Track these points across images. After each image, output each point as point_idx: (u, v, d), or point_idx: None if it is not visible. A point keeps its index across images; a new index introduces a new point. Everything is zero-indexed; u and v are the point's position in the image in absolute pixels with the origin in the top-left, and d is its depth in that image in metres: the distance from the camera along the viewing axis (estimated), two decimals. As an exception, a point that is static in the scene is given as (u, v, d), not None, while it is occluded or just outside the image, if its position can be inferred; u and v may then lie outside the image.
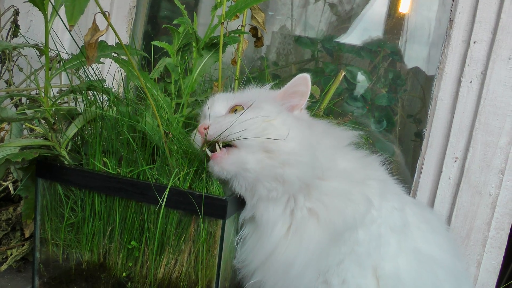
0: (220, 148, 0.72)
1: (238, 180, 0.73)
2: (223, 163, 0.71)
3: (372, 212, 0.75)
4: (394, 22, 1.39)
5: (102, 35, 0.61)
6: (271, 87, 0.84)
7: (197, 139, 0.74)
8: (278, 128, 0.71)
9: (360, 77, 1.32)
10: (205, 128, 0.73)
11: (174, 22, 0.87)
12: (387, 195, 0.79)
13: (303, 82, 0.79)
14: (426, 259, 0.77)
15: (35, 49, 1.25)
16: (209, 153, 0.72)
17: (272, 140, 0.69)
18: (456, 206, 1.05)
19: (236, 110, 0.77)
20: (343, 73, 1.05)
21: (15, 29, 1.28)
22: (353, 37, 1.43)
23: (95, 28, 0.62)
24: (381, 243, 0.75)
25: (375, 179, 0.79)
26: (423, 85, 1.32)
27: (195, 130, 0.75)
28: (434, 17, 1.35)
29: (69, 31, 0.57)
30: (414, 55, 1.37)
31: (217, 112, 0.78)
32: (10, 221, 0.96)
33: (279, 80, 1.22)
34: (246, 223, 0.78)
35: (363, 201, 0.74)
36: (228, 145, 0.73)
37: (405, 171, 1.28)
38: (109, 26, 0.63)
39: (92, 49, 0.62)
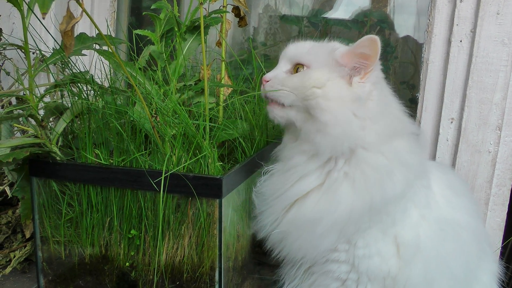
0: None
1: (291, 127, 0.78)
2: (274, 113, 0.77)
3: (406, 190, 0.75)
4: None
5: (77, 21, 0.60)
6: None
7: (261, 89, 0.80)
8: (321, 96, 0.71)
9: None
10: (266, 81, 0.78)
11: (152, 6, 0.86)
12: (421, 173, 0.79)
13: (369, 45, 0.72)
14: (450, 225, 0.78)
15: (21, 51, 1.24)
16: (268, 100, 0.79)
17: (313, 106, 0.71)
18: (456, 166, 1.05)
19: (298, 68, 0.78)
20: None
21: (-2, 32, 1.26)
22: (340, 11, 1.41)
23: (69, 16, 0.60)
24: (405, 215, 0.76)
25: (417, 165, 0.78)
26: (414, 52, 1.30)
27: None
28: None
29: (43, 18, 0.56)
30: (404, 24, 1.35)
31: (283, 66, 0.80)
32: (10, 224, 0.96)
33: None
34: (278, 160, 0.81)
35: (403, 183, 0.74)
36: None
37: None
38: (85, 13, 0.62)
39: (69, 38, 0.61)
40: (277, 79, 0.78)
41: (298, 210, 0.75)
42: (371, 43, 0.71)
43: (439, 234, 0.77)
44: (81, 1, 0.59)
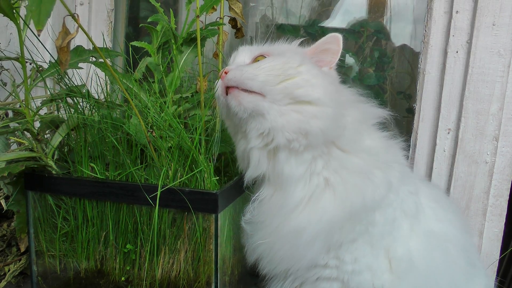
0: None
1: (255, 123, 0.69)
2: (240, 98, 0.68)
3: (390, 195, 0.74)
4: (377, 2, 1.38)
5: (73, 37, 0.59)
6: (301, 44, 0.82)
7: (218, 85, 0.72)
8: (303, 74, 0.69)
9: (349, 59, 1.31)
10: (226, 73, 0.70)
11: (149, 19, 0.86)
12: (405, 179, 0.78)
13: (335, 41, 0.78)
14: (438, 238, 0.77)
15: (17, 62, 1.24)
16: (223, 90, 0.71)
17: (299, 86, 0.67)
18: (454, 177, 1.04)
19: (258, 60, 0.74)
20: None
21: (-5, 44, 1.26)
22: (337, 20, 1.42)
23: (65, 32, 0.60)
24: (394, 226, 0.74)
25: (398, 162, 0.78)
26: (411, 61, 1.30)
27: (217, 80, 0.74)
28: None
29: (38, 35, 0.56)
30: (401, 33, 1.36)
31: (240, 62, 0.76)
32: (5, 237, 0.95)
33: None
34: (264, 184, 0.75)
35: (384, 184, 0.72)
36: None
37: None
38: (80, 29, 0.62)
39: (65, 53, 0.61)
40: (241, 67, 0.71)
41: (283, 220, 0.73)
42: (336, 39, 0.77)
43: (427, 247, 0.76)
44: (77, 17, 0.59)
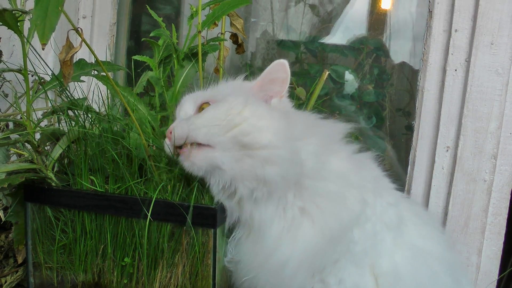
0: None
1: (214, 177, 0.69)
2: (192, 157, 0.67)
3: (367, 211, 0.73)
4: (377, 19, 1.39)
5: (76, 51, 0.60)
6: (246, 78, 0.80)
7: (166, 145, 0.71)
8: (248, 118, 0.66)
9: (348, 76, 1.32)
10: (170, 132, 0.69)
11: (151, 34, 0.87)
12: (381, 191, 0.77)
13: (281, 68, 0.75)
14: (422, 253, 0.76)
15: (20, 73, 1.25)
16: (173, 150, 0.69)
17: (246, 133, 0.65)
18: (452, 195, 1.05)
19: (203, 108, 0.72)
20: (327, 73, 1.04)
21: (-2, 55, 1.27)
22: (337, 37, 1.43)
23: (69, 45, 0.61)
24: (376, 240, 0.74)
25: (369, 180, 0.77)
26: (410, 78, 1.31)
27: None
28: (415, 11, 1.35)
29: (42, 49, 0.57)
30: (400, 50, 1.37)
31: (186, 113, 0.74)
32: (2, 249, 0.95)
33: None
34: (238, 225, 0.74)
35: (358, 204, 0.72)
36: None
37: (397, 166, 1.27)
38: (84, 43, 0.63)
39: (68, 67, 0.61)
40: (185, 120, 0.70)
41: (264, 258, 0.72)
42: (282, 66, 0.74)
43: (414, 260, 0.75)
44: (80, 31, 0.60)
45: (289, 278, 0.71)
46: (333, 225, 0.70)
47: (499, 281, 1.08)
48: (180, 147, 0.69)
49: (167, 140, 0.71)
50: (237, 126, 0.66)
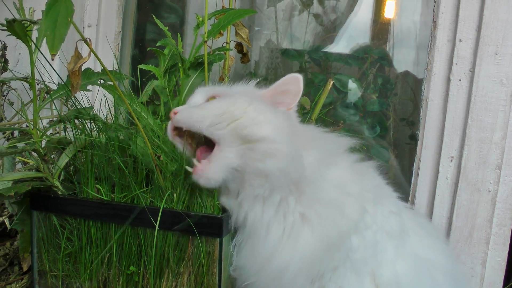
0: (199, 161, 0.69)
1: (229, 184, 0.70)
2: (206, 173, 0.67)
3: (366, 218, 0.73)
4: (380, 28, 1.40)
5: (85, 62, 0.61)
6: (257, 85, 0.81)
7: (168, 126, 0.72)
8: (249, 113, 0.67)
9: (351, 85, 1.32)
10: (175, 113, 0.71)
11: (158, 44, 0.87)
12: (382, 200, 0.77)
13: (295, 82, 0.76)
14: (425, 264, 0.76)
15: (25, 82, 1.25)
16: (189, 169, 0.69)
17: (245, 126, 0.66)
18: (456, 205, 1.04)
19: (210, 101, 0.74)
20: (332, 82, 1.05)
21: (3, 64, 1.28)
22: (340, 46, 1.44)
23: (77, 56, 0.62)
24: (377, 250, 0.73)
25: (369, 190, 0.77)
26: (413, 88, 1.32)
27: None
28: (418, 20, 1.36)
29: (52, 59, 0.57)
30: (403, 59, 1.37)
31: (195, 102, 0.75)
32: (7, 256, 0.95)
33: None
34: (240, 229, 0.75)
35: (357, 212, 0.72)
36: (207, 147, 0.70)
37: (400, 177, 1.27)
38: (92, 53, 0.63)
39: (76, 77, 0.62)
40: (192, 108, 0.72)
41: (263, 263, 0.72)
42: (296, 80, 0.75)
43: (416, 270, 0.75)
44: (89, 41, 0.60)
45: (289, 284, 0.71)
46: (331, 232, 0.70)
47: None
48: (181, 136, 0.71)
49: (169, 123, 0.72)
50: (237, 120, 0.67)
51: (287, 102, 0.77)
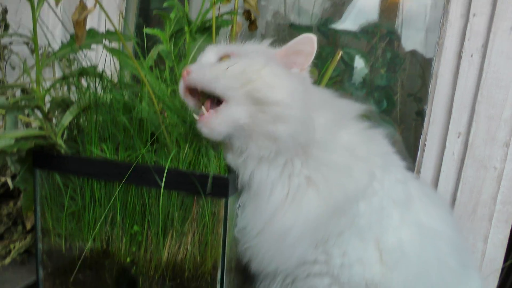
0: (207, 111, 0.68)
1: (232, 140, 0.69)
2: (210, 123, 0.67)
3: (374, 184, 0.73)
4: (389, 7, 1.37)
5: (90, 12, 0.59)
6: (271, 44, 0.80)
7: (180, 85, 0.71)
8: (264, 77, 0.66)
9: (358, 60, 1.31)
10: (188, 72, 0.70)
11: (164, 4, 0.86)
12: (390, 167, 0.76)
13: (309, 42, 0.73)
14: (429, 232, 0.76)
15: (27, 46, 1.24)
16: (196, 116, 0.69)
17: (259, 89, 0.65)
18: (461, 181, 1.04)
19: (223, 60, 0.72)
20: (340, 53, 1.03)
21: (4, 27, 1.26)
22: (348, 22, 1.42)
23: (82, 6, 0.60)
24: (383, 216, 0.73)
25: (378, 155, 0.76)
26: (422, 65, 1.30)
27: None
28: (429, 1, 1.34)
29: (56, 5, 0.55)
30: (412, 39, 1.35)
31: (206, 61, 0.74)
32: (11, 215, 0.95)
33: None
34: (245, 189, 0.74)
35: (365, 176, 0.72)
36: (218, 101, 0.70)
37: (404, 152, 1.26)
38: (98, 4, 0.62)
39: (81, 28, 0.60)
40: (206, 67, 0.70)
41: (265, 224, 0.72)
42: (311, 41, 0.73)
43: (420, 239, 0.74)
44: (96, -6, 0.59)
45: (291, 247, 0.71)
46: (338, 196, 0.70)
47: (503, 269, 1.08)
48: (193, 94, 0.71)
49: (181, 81, 0.71)
50: (252, 82, 0.66)
51: (300, 63, 0.75)
